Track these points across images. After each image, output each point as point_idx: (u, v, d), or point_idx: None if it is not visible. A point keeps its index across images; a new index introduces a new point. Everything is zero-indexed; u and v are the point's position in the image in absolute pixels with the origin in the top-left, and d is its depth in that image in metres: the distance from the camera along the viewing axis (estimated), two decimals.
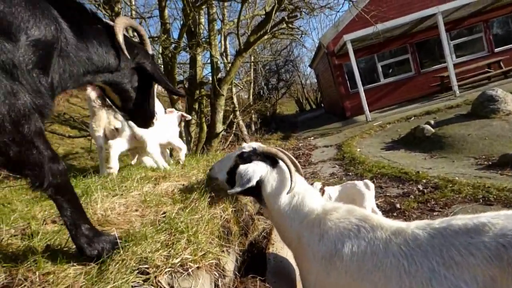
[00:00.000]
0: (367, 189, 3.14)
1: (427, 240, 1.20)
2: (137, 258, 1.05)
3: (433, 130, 7.01)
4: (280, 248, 1.85)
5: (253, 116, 13.18)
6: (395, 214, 3.64)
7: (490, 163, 5.00)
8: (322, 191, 3.13)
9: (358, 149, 7.48)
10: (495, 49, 13.52)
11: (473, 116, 7.16)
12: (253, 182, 1.52)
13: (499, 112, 6.83)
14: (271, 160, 1.64)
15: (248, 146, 1.72)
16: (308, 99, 31.15)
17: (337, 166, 6.54)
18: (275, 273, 1.62)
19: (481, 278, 1.05)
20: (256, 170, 1.55)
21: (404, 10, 12.47)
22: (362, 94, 11.17)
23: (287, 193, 1.54)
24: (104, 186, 1.78)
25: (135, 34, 1.90)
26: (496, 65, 12.36)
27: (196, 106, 5.58)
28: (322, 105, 24.79)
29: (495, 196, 3.43)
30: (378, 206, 3.92)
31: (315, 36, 40.86)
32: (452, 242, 1.14)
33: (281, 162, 1.62)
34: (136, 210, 1.51)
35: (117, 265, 1.01)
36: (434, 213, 3.45)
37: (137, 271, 1.01)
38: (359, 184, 3.22)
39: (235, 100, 10.45)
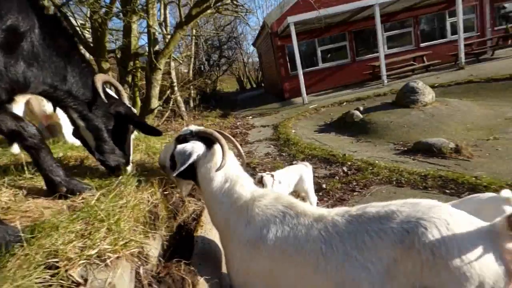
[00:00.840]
0: (308, 171, 3.40)
1: (344, 226, 1.31)
2: (44, 251, 0.96)
3: (361, 116, 7.58)
4: (208, 230, 1.86)
5: (192, 92, 12.78)
6: (320, 193, 3.91)
7: (406, 148, 5.61)
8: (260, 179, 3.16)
9: (293, 131, 7.78)
10: (421, 44, 14.91)
11: (396, 105, 7.87)
12: (194, 157, 1.51)
13: (418, 103, 7.59)
14: (207, 141, 1.62)
15: (185, 129, 1.70)
16: (249, 78, 31.14)
17: (272, 146, 6.74)
18: (202, 255, 1.64)
19: (386, 260, 1.18)
20: (194, 147, 1.54)
21: None
22: (301, 77, 11.52)
23: (216, 170, 1.54)
24: (10, 169, 1.58)
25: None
26: (420, 59, 13.65)
27: (130, 78, 5.19)
28: (263, 84, 25.03)
29: (406, 179, 3.87)
30: None
31: (260, 15, 40.41)
32: (365, 227, 1.26)
33: (217, 144, 1.60)
34: (48, 197, 1.38)
35: (18, 260, 0.91)
36: (354, 193, 3.80)
37: (43, 266, 0.93)
38: (301, 166, 3.48)
39: (173, 75, 10.00)
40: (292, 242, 1.36)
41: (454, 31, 12.72)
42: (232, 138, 1.73)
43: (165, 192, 1.78)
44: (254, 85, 29.81)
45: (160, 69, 4.76)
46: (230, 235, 1.53)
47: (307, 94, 12.16)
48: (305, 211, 1.43)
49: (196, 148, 1.54)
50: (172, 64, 8.35)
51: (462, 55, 12.08)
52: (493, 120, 6.72)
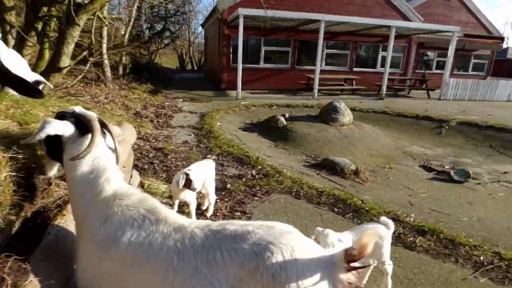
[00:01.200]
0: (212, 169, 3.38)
1: (201, 240, 1.29)
2: None
3: (284, 123, 7.86)
4: (71, 220, 1.67)
5: (124, 58, 11.77)
6: (223, 193, 3.92)
7: (315, 162, 5.98)
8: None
9: (219, 123, 7.71)
10: (354, 68, 16.12)
11: (318, 120, 8.34)
12: (45, 132, 1.34)
13: (337, 122, 8.17)
14: (83, 125, 1.46)
15: (71, 107, 1.54)
16: (192, 59, 30.09)
17: (193, 135, 6.57)
18: (48, 249, 1.46)
19: (232, 278, 1.20)
20: (57, 125, 1.39)
21: (297, 6, 13.31)
22: (240, 72, 11.49)
23: (71, 159, 1.40)
24: None
25: None
26: (351, 81, 14.76)
27: (40, 26, 4.50)
28: (204, 69, 24.42)
29: (304, 192, 4.10)
30: None
31: None
32: (220, 244, 1.26)
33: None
34: None
35: None
36: (255, 198, 3.89)
37: None
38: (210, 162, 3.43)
39: (104, 33, 9.08)
40: (146, 250, 1.29)
41: (383, 64, 14.02)
42: (113, 133, 1.58)
43: (22, 172, 1.54)
44: (196, 67, 28.91)
45: (79, 26, 4.21)
46: (85, 231, 1.41)
47: (242, 89, 12.19)
48: (167, 218, 1.37)
49: (58, 126, 1.39)
50: (106, 22, 7.52)
51: (384, 87, 13.40)
52: (393, 150, 7.58)
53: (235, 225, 1.33)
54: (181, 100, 10.91)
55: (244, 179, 4.40)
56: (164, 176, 4.21)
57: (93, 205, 1.40)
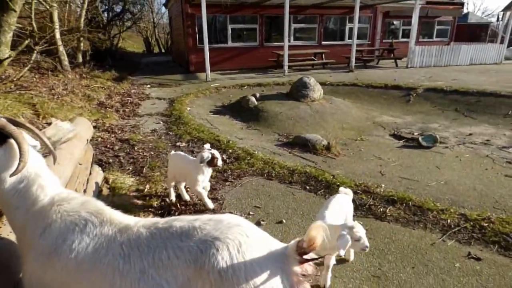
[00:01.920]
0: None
1: (147, 240, 1.22)
2: None
3: (256, 103, 7.74)
4: (10, 230, 1.53)
5: (82, 44, 11.04)
6: None
7: (287, 141, 5.94)
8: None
9: (188, 108, 7.48)
10: (323, 42, 16.02)
11: (289, 97, 8.28)
12: None
13: (307, 98, 8.14)
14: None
15: None
16: (158, 41, 28.88)
17: (161, 122, 6.34)
18: None
19: (180, 279, 1.15)
20: None
21: None
22: (207, 52, 11.11)
23: (10, 175, 1.24)
24: None
25: None
26: (320, 55, 14.69)
27: None
28: (171, 51, 23.53)
29: (276, 173, 4.07)
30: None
31: None
32: (166, 244, 1.20)
33: (11, 139, 1.28)
34: None
35: None
36: (226, 183, 3.82)
37: None
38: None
39: (55, 18, 8.42)
40: (90, 256, 1.20)
41: (351, 36, 13.99)
42: (37, 131, 1.41)
43: None
44: (163, 50, 27.82)
45: (15, 11, 3.83)
46: (26, 244, 1.29)
47: (212, 71, 11.86)
48: (112, 219, 1.28)
49: None
50: (55, 4, 6.90)
51: (353, 59, 13.44)
52: (364, 122, 7.67)
53: (182, 221, 1.27)
54: (148, 86, 10.48)
55: None
56: (130, 168, 4.04)
57: (29, 217, 1.28)
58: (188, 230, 1.21)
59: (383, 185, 3.77)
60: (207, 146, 3.05)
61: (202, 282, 1.12)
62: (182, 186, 3.35)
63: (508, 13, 16.84)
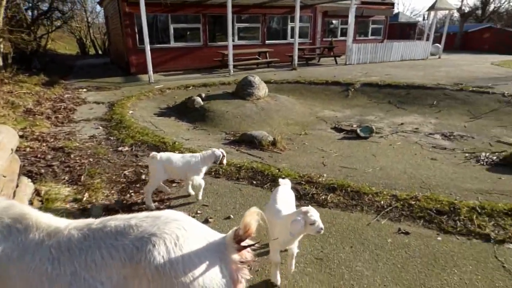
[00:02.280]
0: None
1: (79, 242, 1.18)
2: None
3: (201, 103, 7.67)
4: None
5: (2, 46, 9.96)
6: (138, 185, 3.68)
7: (234, 139, 5.99)
8: None
9: (131, 112, 7.17)
10: (266, 41, 16.33)
11: (235, 96, 8.34)
12: None
13: (253, 96, 8.27)
14: None
15: None
16: (94, 42, 27.09)
17: (101, 127, 5.99)
18: None
19: (116, 278, 1.13)
20: None
21: None
22: (148, 53, 10.71)
23: None
24: None
25: None
26: (264, 54, 14.97)
27: None
28: (109, 53, 22.26)
29: (223, 170, 4.09)
30: (126, 176, 3.87)
31: None
32: (99, 244, 1.16)
33: None
34: None
35: None
36: (173, 185, 3.75)
37: None
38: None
39: None
40: (16, 263, 1.12)
41: (293, 35, 14.45)
42: None
43: None
44: (100, 52, 26.18)
45: None
46: None
47: (155, 72, 11.48)
48: (38, 224, 1.21)
49: None
50: None
51: (296, 57, 13.93)
52: (308, 117, 8.01)
53: (117, 220, 1.24)
54: (84, 90, 9.81)
55: None
56: (66, 178, 3.76)
57: None
58: (124, 229, 1.19)
59: (325, 175, 3.98)
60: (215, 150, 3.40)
61: (139, 280, 1.11)
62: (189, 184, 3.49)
63: (432, 13, 18.72)
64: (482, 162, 5.07)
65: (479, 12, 38.06)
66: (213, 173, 4.02)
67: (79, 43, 25.58)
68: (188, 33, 14.59)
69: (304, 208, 2.00)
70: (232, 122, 6.99)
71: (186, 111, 7.65)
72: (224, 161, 3.39)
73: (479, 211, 3.06)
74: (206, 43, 14.68)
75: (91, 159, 4.34)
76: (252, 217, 1.21)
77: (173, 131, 6.13)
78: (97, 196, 3.36)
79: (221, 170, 4.08)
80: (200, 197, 3.41)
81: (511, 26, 30.81)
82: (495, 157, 5.16)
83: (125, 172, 3.99)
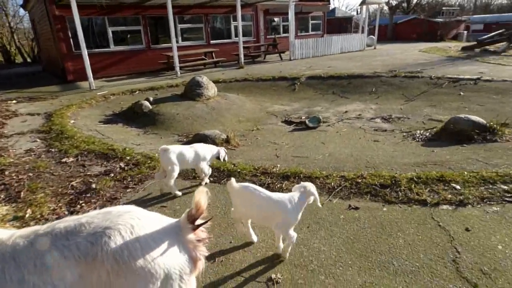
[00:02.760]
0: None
1: (26, 248, 1.14)
2: None
3: (150, 107, 7.46)
4: None
5: None
6: (89, 194, 3.51)
7: (187, 140, 5.93)
8: None
9: (72, 121, 6.74)
10: (211, 41, 16.25)
11: (184, 97, 8.23)
12: None
13: (203, 96, 8.23)
14: None
15: None
16: (20, 49, 24.75)
17: (39, 140, 5.56)
18: None
19: (70, 278, 1.11)
20: None
21: None
22: (86, 58, 10.11)
23: None
24: None
25: None
26: (210, 54, 14.89)
27: None
28: (40, 60, 20.53)
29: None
30: (73, 187, 3.67)
31: None
32: (49, 247, 1.14)
33: None
34: None
35: None
36: (128, 190, 3.63)
37: None
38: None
39: None
40: None
41: (237, 34, 14.57)
42: None
43: None
44: (29, 60, 24.01)
45: None
46: None
47: (96, 78, 10.89)
48: None
49: None
50: None
51: (241, 56, 14.07)
52: (259, 113, 8.17)
53: (67, 221, 1.23)
54: (14, 102, 8.98)
55: (112, 174, 4.03)
56: (2, 196, 3.46)
57: None
58: (75, 228, 1.18)
59: (278, 165, 4.13)
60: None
61: (97, 273, 1.11)
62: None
63: (364, 7, 20.03)
64: (417, 139, 5.60)
65: (405, 5, 41.57)
66: None
67: (2, 51, 23.21)
68: (128, 36, 14.00)
69: (303, 184, 2.34)
70: (184, 123, 6.90)
71: (134, 117, 7.38)
72: (226, 159, 3.81)
73: (416, 180, 3.40)
74: (149, 46, 14.22)
75: (30, 174, 4.02)
76: (202, 196, 1.27)
77: (122, 138, 5.90)
78: (42, 211, 3.14)
79: None
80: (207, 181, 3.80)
81: (432, 16, 34.05)
82: (428, 134, 5.73)
83: (73, 183, 3.77)
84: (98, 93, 9.62)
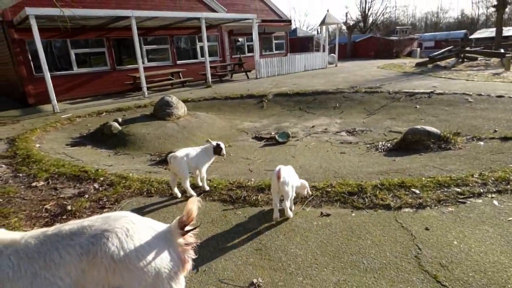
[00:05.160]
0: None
1: (36, 247, 1.30)
2: None
3: (119, 128, 7.40)
4: None
5: None
6: (64, 216, 3.47)
7: (160, 159, 5.96)
8: None
9: (38, 145, 6.52)
10: (178, 61, 16.39)
11: (154, 117, 8.25)
12: None
13: (173, 116, 8.30)
14: None
15: None
16: None
17: (4, 166, 5.34)
18: None
19: (74, 273, 1.28)
20: None
21: (102, 2, 12.33)
22: (49, 81, 9.85)
23: None
24: None
25: None
26: (178, 74, 15.01)
27: None
28: None
29: (155, 189, 4.10)
30: (47, 210, 3.61)
31: None
32: (56, 246, 1.31)
33: None
34: None
35: None
36: (104, 210, 3.62)
37: None
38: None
39: None
40: None
41: (203, 54, 14.85)
42: None
43: None
44: None
45: None
46: None
47: (60, 101, 10.60)
48: None
49: None
50: None
51: (209, 75, 14.33)
52: (229, 130, 8.36)
53: (71, 224, 1.38)
54: None
55: (86, 195, 3.99)
56: None
57: None
58: (78, 230, 1.34)
59: (252, 179, 4.31)
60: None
61: (97, 269, 1.26)
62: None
63: (324, 27, 21.22)
64: (380, 150, 6.04)
65: (362, 24, 44.49)
66: (145, 193, 4.00)
67: None
68: (92, 58, 13.80)
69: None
70: (155, 143, 6.92)
71: (103, 138, 7.28)
72: (224, 152, 4.07)
73: (380, 187, 3.72)
74: (114, 67, 14.08)
75: (0, 200, 3.89)
76: (194, 205, 1.44)
77: (92, 160, 5.81)
78: None
79: (152, 188, 4.08)
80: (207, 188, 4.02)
81: (387, 35, 36.71)
82: (389, 144, 6.19)
83: (46, 206, 3.70)
84: (63, 116, 9.36)
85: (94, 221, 1.38)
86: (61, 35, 12.19)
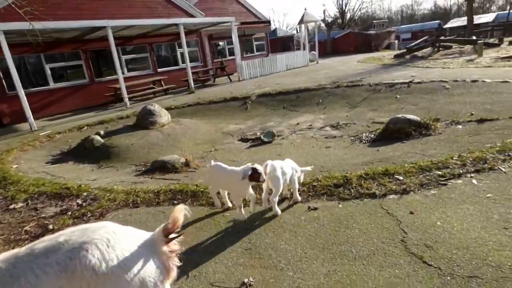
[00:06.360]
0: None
1: (8, 271, 1.22)
2: None
3: (102, 141, 7.25)
4: None
5: None
6: None
7: (145, 168, 5.86)
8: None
9: (15, 166, 6.33)
10: (158, 69, 16.25)
11: (137, 127, 8.12)
12: None
13: (156, 124, 8.20)
14: None
15: None
16: None
17: None
18: None
19: None
20: None
21: (75, 14, 12.11)
22: (24, 98, 9.59)
23: None
24: None
25: None
26: (159, 82, 14.86)
27: None
28: None
29: (141, 199, 4.03)
30: (27, 232, 3.49)
31: None
32: (31, 266, 1.22)
33: None
34: None
35: None
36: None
37: None
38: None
39: None
40: None
41: (184, 60, 14.75)
42: None
43: None
44: None
45: None
46: None
47: (37, 118, 10.33)
48: None
49: None
50: None
51: (191, 81, 14.25)
52: (215, 134, 8.31)
53: (45, 241, 1.31)
54: None
55: (69, 212, 3.88)
56: None
57: None
58: (53, 246, 1.26)
59: None
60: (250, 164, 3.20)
61: (78, 284, 1.20)
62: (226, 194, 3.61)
63: (302, 25, 21.41)
64: (364, 141, 6.10)
65: (340, 21, 45.09)
66: (131, 204, 3.92)
67: None
68: (69, 71, 13.54)
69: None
70: (140, 153, 6.81)
71: (85, 153, 7.12)
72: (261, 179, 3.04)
73: (365, 177, 3.75)
74: (93, 80, 13.85)
75: None
76: (180, 213, 1.41)
77: (75, 176, 5.66)
78: None
79: (138, 199, 4.01)
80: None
81: (365, 29, 37.31)
82: (372, 135, 6.26)
83: (26, 228, 3.58)
84: (41, 134, 9.13)
85: (70, 234, 1.31)
86: (34, 50, 11.91)
